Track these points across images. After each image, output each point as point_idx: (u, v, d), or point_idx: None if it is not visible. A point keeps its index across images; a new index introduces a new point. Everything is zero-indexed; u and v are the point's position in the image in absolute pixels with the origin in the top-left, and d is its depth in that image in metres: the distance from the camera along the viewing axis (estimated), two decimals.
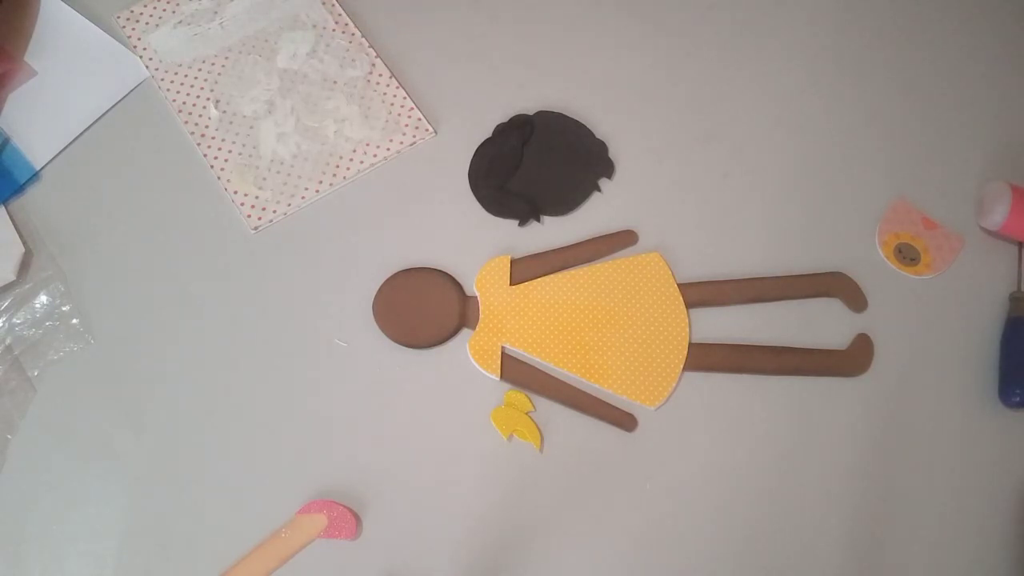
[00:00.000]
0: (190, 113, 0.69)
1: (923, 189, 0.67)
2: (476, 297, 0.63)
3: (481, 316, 0.62)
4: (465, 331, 0.62)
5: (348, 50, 0.71)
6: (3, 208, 0.65)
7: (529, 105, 0.69)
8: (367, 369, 0.61)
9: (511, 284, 0.63)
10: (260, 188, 0.66)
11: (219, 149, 0.67)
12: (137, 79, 0.70)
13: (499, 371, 0.60)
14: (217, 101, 0.69)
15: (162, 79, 0.70)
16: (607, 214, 0.66)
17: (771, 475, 0.58)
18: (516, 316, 0.62)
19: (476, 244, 0.65)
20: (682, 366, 0.61)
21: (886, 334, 0.62)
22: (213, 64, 0.71)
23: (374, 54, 0.71)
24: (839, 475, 0.58)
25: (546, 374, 0.61)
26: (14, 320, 0.62)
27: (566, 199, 0.66)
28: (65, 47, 0.71)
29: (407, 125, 0.68)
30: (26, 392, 0.60)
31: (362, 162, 0.67)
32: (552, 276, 0.63)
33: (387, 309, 0.62)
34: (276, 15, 0.73)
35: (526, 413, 0.59)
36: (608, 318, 0.62)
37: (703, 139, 0.68)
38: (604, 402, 0.60)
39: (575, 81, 0.71)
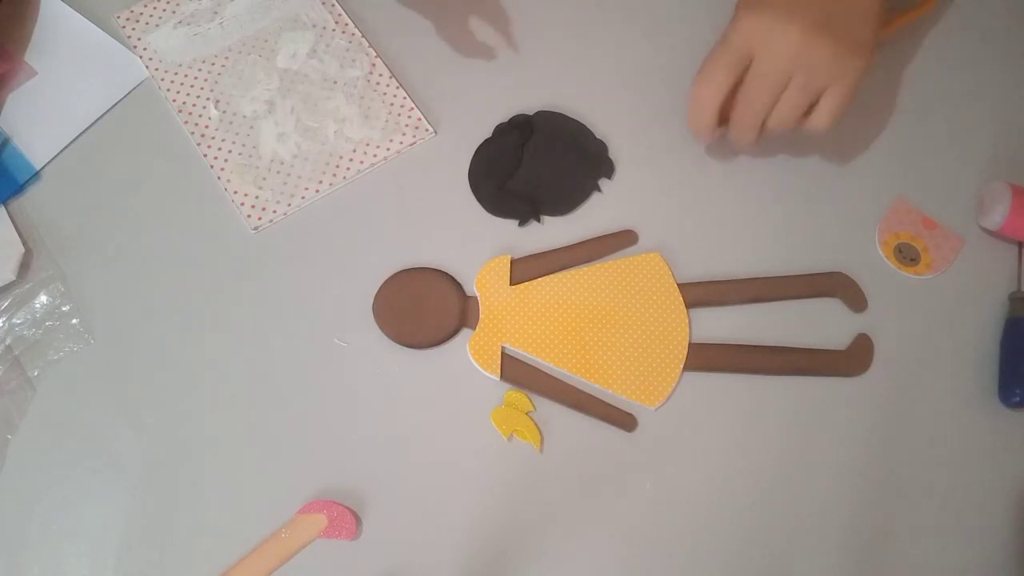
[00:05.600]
0: (190, 113, 0.69)
1: (923, 189, 0.67)
2: (476, 297, 0.63)
3: (481, 316, 0.62)
4: (465, 331, 0.62)
5: (348, 50, 0.71)
6: (3, 208, 0.65)
7: (529, 105, 0.69)
8: (367, 369, 0.61)
9: (511, 284, 0.63)
10: (260, 188, 0.66)
11: (219, 149, 0.67)
12: (137, 79, 0.70)
13: (499, 371, 0.60)
14: (217, 101, 0.69)
15: (162, 79, 0.70)
16: (607, 214, 0.66)
17: (771, 475, 0.58)
18: (516, 316, 0.62)
19: (476, 244, 0.65)
20: (682, 366, 0.61)
21: (886, 334, 0.62)
22: (213, 64, 0.71)
23: (374, 54, 0.71)
24: (839, 475, 0.58)
25: (546, 374, 0.61)
26: (14, 320, 0.62)
27: (566, 199, 0.66)
28: (65, 47, 0.71)
29: (407, 125, 0.68)
30: (26, 392, 0.60)
31: (362, 162, 0.67)
32: (552, 276, 0.63)
33: (387, 309, 0.62)
34: (276, 15, 0.73)
35: (526, 413, 0.59)
36: (608, 318, 0.62)
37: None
38: (604, 402, 0.60)
39: (575, 81, 0.71)
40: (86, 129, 0.68)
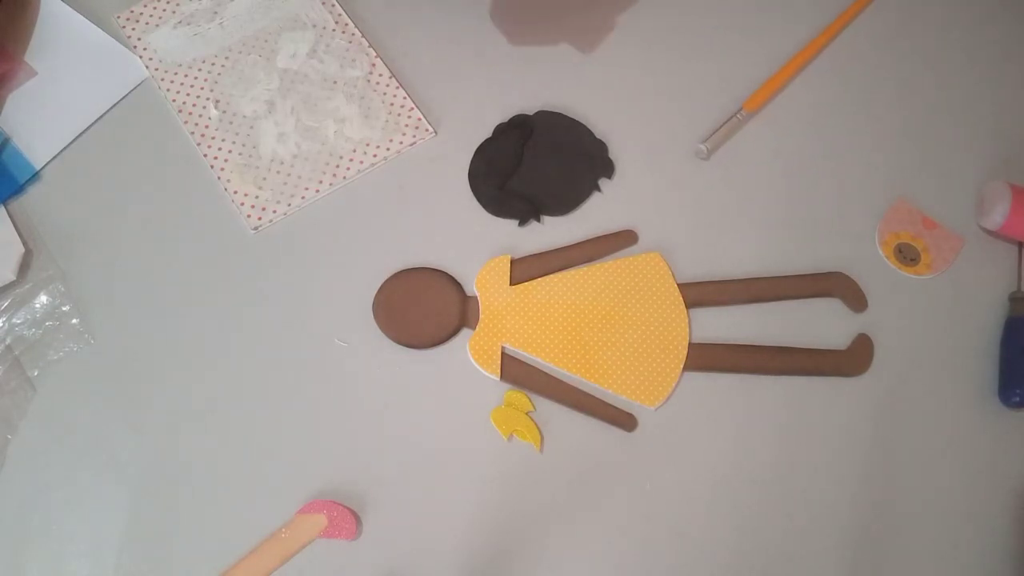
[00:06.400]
0: (190, 113, 0.69)
1: (923, 189, 0.67)
2: (476, 297, 0.63)
3: (481, 316, 0.62)
4: (465, 331, 0.62)
5: (348, 50, 0.71)
6: (3, 208, 0.65)
7: (529, 105, 0.69)
8: (367, 369, 0.61)
9: (511, 284, 0.63)
10: (260, 188, 0.66)
11: (219, 149, 0.67)
12: (137, 79, 0.70)
13: (499, 371, 0.60)
14: (217, 101, 0.69)
15: (162, 79, 0.70)
16: (607, 214, 0.66)
17: (771, 475, 0.58)
18: (516, 316, 0.62)
19: (476, 244, 0.65)
20: (682, 366, 0.61)
21: (886, 334, 0.62)
22: (213, 64, 0.71)
23: (374, 54, 0.71)
24: (839, 475, 0.58)
25: (546, 374, 0.61)
26: (14, 320, 0.62)
27: (566, 199, 0.66)
28: (65, 47, 0.71)
29: (407, 125, 0.68)
30: (26, 392, 0.60)
31: (362, 162, 0.67)
32: (552, 276, 0.63)
33: (387, 309, 0.62)
34: (276, 15, 0.73)
35: (526, 413, 0.59)
36: (608, 318, 0.62)
37: (702, 139, 0.68)
38: (604, 402, 0.60)
39: (575, 81, 0.71)
40: (86, 129, 0.68)
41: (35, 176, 0.66)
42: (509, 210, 0.66)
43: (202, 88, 0.70)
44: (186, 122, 0.68)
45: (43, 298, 0.62)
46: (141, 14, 0.72)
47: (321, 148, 0.68)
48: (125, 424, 0.59)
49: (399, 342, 0.61)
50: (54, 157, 0.67)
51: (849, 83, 0.71)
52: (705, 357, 0.61)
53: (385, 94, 0.70)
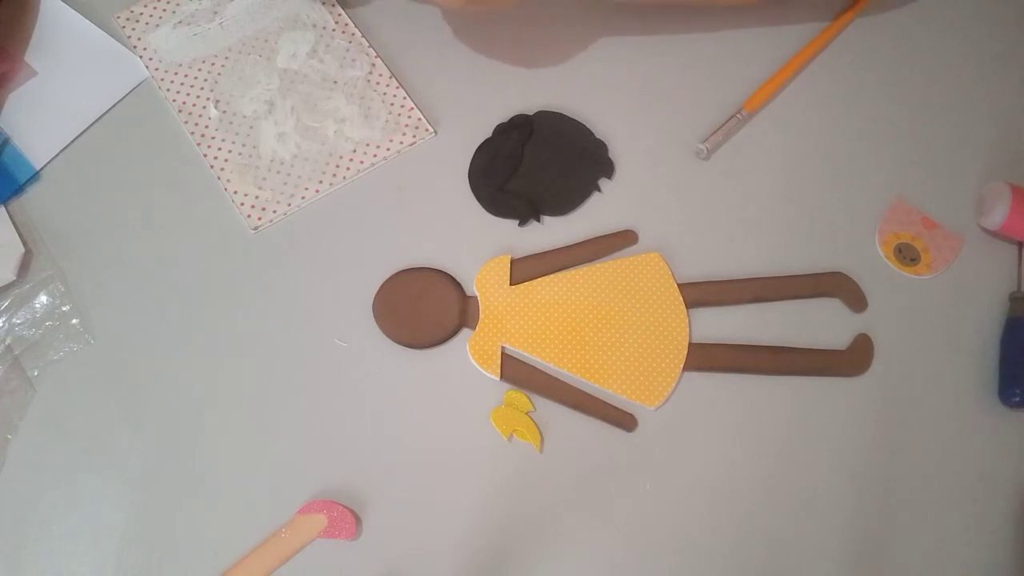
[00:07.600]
0: (190, 113, 0.69)
1: (923, 189, 0.67)
2: (476, 297, 0.63)
3: (481, 316, 0.62)
4: (465, 331, 0.62)
5: (348, 50, 0.71)
6: (3, 208, 0.65)
7: (529, 105, 0.69)
8: (367, 369, 0.61)
9: (511, 284, 0.63)
10: (260, 188, 0.66)
11: (219, 149, 0.67)
12: (137, 79, 0.70)
13: (499, 371, 0.60)
14: (217, 101, 0.69)
15: (162, 79, 0.70)
16: (607, 214, 0.66)
17: (771, 475, 0.58)
18: (516, 316, 0.62)
19: (476, 244, 0.65)
20: (682, 366, 0.61)
21: (886, 334, 0.62)
22: (213, 64, 0.71)
23: (374, 54, 0.71)
24: (839, 475, 0.58)
25: (546, 374, 0.61)
26: (14, 320, 0.62)
27: (566, 199, 0.66)
28: (65, 47, 0.71)
29: (407, 125, 0.68)
30: (26, 392, 0.60)
31: (362, 162, 0.67)
32: (552, 276, 0.63)
33: (387, 309, 0.62)
34: (276, 15, 0.73)
35: (526, 413, 0.59)
36: (608, 318, 0.62)
37: (702, 139, 0.68)
38: (604, 402, 0.60)
39: (575, 81, 0.71)
40: (86, 129, 0.68)
41: (35, 176, 0.66)
42: (509, 210, 0.66)
43: (202, 88, 0.70)
44: (186, 122, 0.68)
45: (43, 298, 0.62)
46: (141, 14, 0.72)
47: (321, 148, 0.68)
48: (125, 424, 0.59)
49: (399, 342, 0.61)
50: (54, 157, 0.67)
51: (849, 83, 0.71)
52: (705, 357, 0.61)
53: (385, 94, 0.70)
